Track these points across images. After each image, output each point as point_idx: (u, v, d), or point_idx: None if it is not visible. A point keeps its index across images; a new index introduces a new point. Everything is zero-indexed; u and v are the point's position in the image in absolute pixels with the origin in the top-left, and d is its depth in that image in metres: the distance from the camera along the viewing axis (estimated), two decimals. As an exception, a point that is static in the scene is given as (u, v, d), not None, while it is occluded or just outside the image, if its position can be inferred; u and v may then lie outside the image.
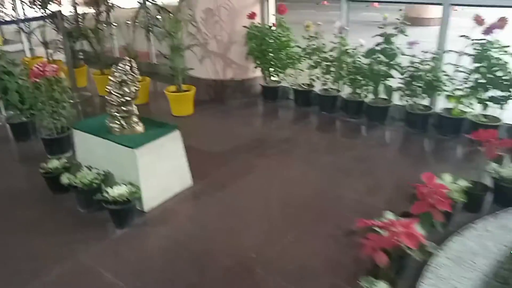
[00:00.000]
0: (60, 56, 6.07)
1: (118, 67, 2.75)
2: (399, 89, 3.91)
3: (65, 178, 2.73)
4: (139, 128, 2.80)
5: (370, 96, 4.17)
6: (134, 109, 2.77)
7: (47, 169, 2.90)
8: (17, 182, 3.22)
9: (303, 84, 4.65)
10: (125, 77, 2.73)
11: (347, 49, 4.15)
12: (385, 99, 4.07)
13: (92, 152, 2.90)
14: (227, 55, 4.82)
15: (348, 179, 3.08)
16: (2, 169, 3.42)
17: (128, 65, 2.75)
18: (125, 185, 2.58)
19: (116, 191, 2.52)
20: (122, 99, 2.73)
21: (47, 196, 2.92)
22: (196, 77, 4.87)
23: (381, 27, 3.93)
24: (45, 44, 5.70)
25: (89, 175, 2.70)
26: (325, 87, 4.48)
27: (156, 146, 2.71)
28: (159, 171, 2.77)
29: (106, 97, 2.82)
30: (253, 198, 2.89)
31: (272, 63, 4.66)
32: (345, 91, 4.40)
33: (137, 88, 2.71)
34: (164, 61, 4.81)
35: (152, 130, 2.83)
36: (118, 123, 2.78)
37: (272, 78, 4.85)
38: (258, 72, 5.02)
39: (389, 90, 3.96)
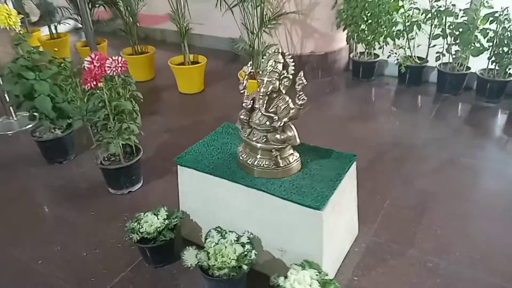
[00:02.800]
0: (63, 27, 4.75)
1: (266, 64, 1.61)
2: None
3: (202, 258, 1.62)
4: (296, 164, 1.71)
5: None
6: (292, 134, 1.65)
7: (142, 233, 1.80)
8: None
9: (415, 57, 3.56)
10: (276, 83, 1.60)
11: (490, 13, 3.07)
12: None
13: (215, 201, 1.81)
14: (307, 22, 3.64)
15: None
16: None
17: (280, 61, 1.61)
18: (305, 266, 1.53)
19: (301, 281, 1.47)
20: (273, 122, 1.62)
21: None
22: (266, 53, 3.70)
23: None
24: (47, 12, 4.32)
25: (230, 247, 1.63)
26: (446, 61, 3.42)
27: (338, 193, 1.64)
28: (338, 229, 1.73)
29: (241, 116, 1.70)
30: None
31: (371, 31, 3.52)
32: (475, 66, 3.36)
33: (302, 102, 1.59)
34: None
35: (316, 163, 1.75)
36: (264, 158, 1.68)
37: (368, 49, 3.73)
38: (344, 43, 3.90)
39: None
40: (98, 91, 2.08)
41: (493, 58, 3.15)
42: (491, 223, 2.07)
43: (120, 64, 2.06)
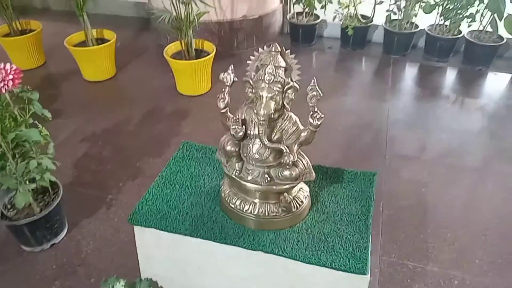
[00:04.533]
0: None
1: (261, 72, 1.07)
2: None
3: None
4: (308, 202, 1.24)
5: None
6: (305, 168, 1.16)
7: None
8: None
9: (359, 16, 3.19)
10: (279, 98, 1.08)
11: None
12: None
13: (197, 267, 1.28)
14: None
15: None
16: None
17: (281, 65, 1.08)
18: None
19: None
20: (281, 156, 1.11)
21: None
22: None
23: None
24: None
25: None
26: (392, 19, 3.12)
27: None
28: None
29: (226, 147, 1.15)
30: None
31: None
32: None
33: (318, 122, 1.09)
34: None
35: (327, 192, 1.30)
36: (267, 203, 1.18)
37: (309, 10, 3.25)
38: (278, 3, 3.37)
39: None
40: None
41: (444, 14, 2.92)
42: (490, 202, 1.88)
43: (10, 76, 1.33)
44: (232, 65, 1.14)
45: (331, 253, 1.12)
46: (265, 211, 1.18)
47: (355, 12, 3.17)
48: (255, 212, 1.18)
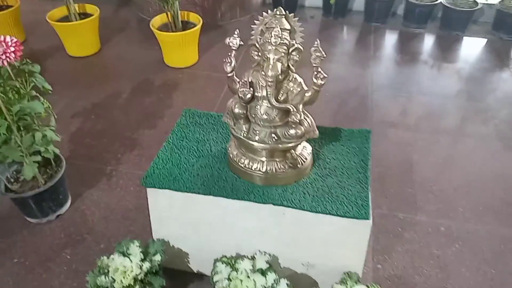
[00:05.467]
0: None
1: (268, 35, 1.12)
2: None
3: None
4: (310, 159, 1.33)
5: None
6: (309, 126, 1.23)
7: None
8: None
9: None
10: (284, 60, 1.14)
11: None
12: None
13: (208, 224, 1.36)
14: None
15: None
16: None
17: (286, 27, 1.14)
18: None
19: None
20: (288, 115, 1.18)
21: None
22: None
23: None
24: None
25: (247, 280, 1.24)
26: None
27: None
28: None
29: (235, 109, 1.20)
30: None
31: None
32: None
33: (322, 81, 1.16)
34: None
35: (326, 150, 1.38)
36: (273, 161, 1.26)
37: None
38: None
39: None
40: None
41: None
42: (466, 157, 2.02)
43: (12, 49, 1.34)
44: (237, 30, 1.19)
45: (335, 202, 1.22)
46: (272, 168, 1.26)
47: (336, -19, 3.21)
48: (263, 170, 1.26)
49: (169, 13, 2.62)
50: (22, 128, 1.47)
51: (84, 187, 1.88)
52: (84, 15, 2.86)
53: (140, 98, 2.49)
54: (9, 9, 2.88)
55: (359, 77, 2.68)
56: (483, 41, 3.09)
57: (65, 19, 2.80)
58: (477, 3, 3.04)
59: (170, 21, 2.65)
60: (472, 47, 3.06)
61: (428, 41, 3.13)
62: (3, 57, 1.34)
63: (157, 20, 2.71)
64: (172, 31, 2.63)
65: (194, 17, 2.75)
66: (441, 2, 3.08)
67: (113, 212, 1.77)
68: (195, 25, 2.68)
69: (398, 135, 2.19)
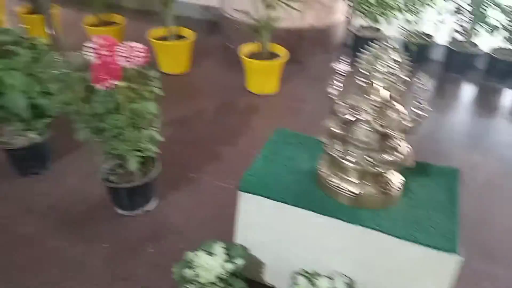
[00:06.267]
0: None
1: (381, 64, 1.21)
2: None
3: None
4: (396, 190, 1.37)
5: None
6: (407, 155, 1.29)
7: (199, 283, 1.38)
8: None
9: (422, 33, 3.32)
10: (389, 86, 1.23)
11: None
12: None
13: (291, 236, 1.43)
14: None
15: None
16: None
17: (397, 59, 1.23)
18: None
19: None
20: (387, 140, 1.25)
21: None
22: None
23: None
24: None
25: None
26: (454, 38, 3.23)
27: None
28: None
29: (333, 130, 1.30)
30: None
31: (380, 4, 3.19)
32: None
33: (423, 114, 1.23)
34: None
35: (414, 182, 1.42)
36: (365, 184, 1.32)
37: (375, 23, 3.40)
38: (342, 15, 3.54)
39: None
40: (111, 91, 1.54)
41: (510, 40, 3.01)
42: None
43: (141, 53, 1.53)
44: (345, 56, 1.29)
45: (424, 232, 1.24)
46: (363, 191, 1.32)
47: (418, 29, 3.29)
48: (354, 191, 1.32)
49: (258, 43, 2.81)
50: (134, 126, 1.65)
51: (169, 189, 2.02)
52: (179, 37, 3.14)
53: (222, 117, 2.66)
54: (116, 25, 3.24)
55: (434, 121, 2.69)
56: None
57: (163, 38, 3.09)
58: None
59: (259, 50, 2.83)
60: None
61: (509, 97, 3.07)
62: (132, 60, 1.53)
63: (246, 48, 2.91)
64: (259, 60, 2.82)
65: (279, 49, 2.93)
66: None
67: (194, 215, 1.89)
68: (279, 56, 2.85)
69: (471, 184, 2.15)
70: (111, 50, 1.50)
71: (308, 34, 3.35)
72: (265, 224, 1.45)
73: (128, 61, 1.52)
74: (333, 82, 1.30)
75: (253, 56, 2.88)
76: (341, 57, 1.30)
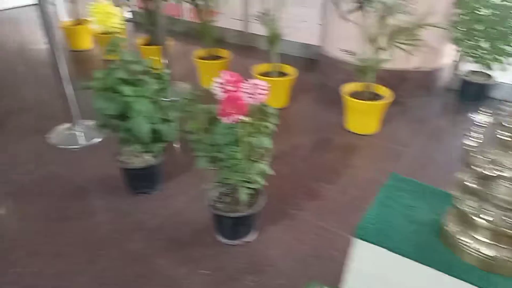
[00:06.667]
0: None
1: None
2: None
3: None
4: (538, 252, 1.24)
5: None
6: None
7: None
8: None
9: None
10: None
11: None
12: None
13: (406, 291, 1.35)
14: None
15: None
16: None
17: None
18: None
19: None
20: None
21: None
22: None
23: None
24: None
25: None
26: None
27: None
28: None
29: (468, 184, 1.22)
30: None
31: (494, 49, 3.02)
32: None
33: None
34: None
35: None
36: (501, 247, 1.20)
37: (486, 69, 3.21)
38: (449, 58, 3.40)
39: None
40: (233, 124, 1.60)
41: None
42: None
43: (263, 91, 1.59)
44: (483, 106, 1.22)
45: None
46: (498, 254, 1.20)
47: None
48: (488, 253, 1.21)
49: (362, 82, 2.79)
50: (248, 158, 1.70)
51: (268, 222, 2.03)
52: (281, 73, 3.23)
53: (320, 153, 2.64)
54: (223, 59, 3.44)
55: None
56: None
57: (266, 74, 3.20)
58: None
59: (362, 90, 2.81)
60: None
61: None
62: (255, 97, 1.59)
63: (348, 88, 2.90)
64: (363, 99, 2.78)
65: (383, 90, 2.87)
66: None
67: (293, 252, 1.86)
68: (382, 97, 2.79)
69: None
70: (237, 86, 1.58)
71: (411, 75, 3.26)
72: (379, 275, 1.38)
73: (251, 97, 1.58)
74: (470, 133, 1.22)
75: (354, 95, 2.86)
76: (480, 108, 1.23)
